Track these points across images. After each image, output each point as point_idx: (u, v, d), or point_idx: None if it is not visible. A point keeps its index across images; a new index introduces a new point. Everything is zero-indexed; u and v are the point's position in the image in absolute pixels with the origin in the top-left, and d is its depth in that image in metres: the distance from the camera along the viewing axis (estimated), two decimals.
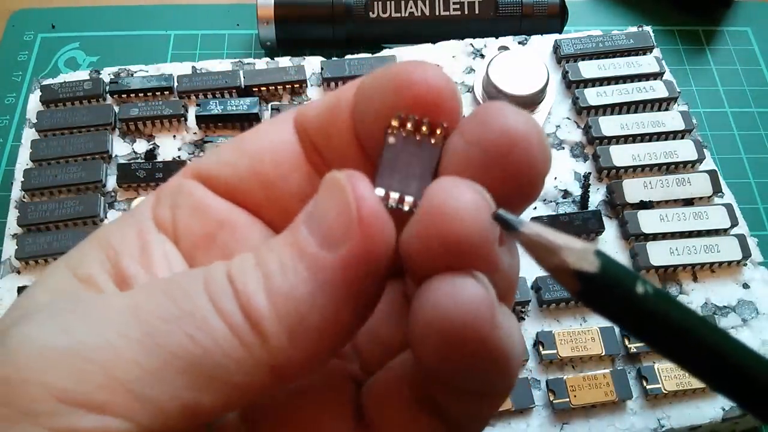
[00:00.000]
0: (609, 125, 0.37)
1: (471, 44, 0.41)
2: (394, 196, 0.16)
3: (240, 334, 0.14)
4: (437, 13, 0.44)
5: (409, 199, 0.16)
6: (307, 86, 0.39)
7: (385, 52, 0.40)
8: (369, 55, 0.40)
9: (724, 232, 0.35)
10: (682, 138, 0.38)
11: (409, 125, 0.16)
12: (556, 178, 0.37)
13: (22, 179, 0.35)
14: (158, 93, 0.38)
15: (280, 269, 0.15)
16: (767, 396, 0.13)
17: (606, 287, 0.13)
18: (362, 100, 0.17)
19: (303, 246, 0.15)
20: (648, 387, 0.31)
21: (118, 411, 0.14)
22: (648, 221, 0.35)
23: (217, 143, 0.36)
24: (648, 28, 0.41)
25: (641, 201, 0.35)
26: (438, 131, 0.16)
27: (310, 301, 0.14)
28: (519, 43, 0.41)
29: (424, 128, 0.16)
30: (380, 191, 0.16)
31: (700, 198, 0.36)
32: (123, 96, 0.38)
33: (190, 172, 0.19)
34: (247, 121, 0.37)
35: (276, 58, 0.40)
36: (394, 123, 0.16)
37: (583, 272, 0.13)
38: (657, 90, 0.38)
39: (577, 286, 0.13)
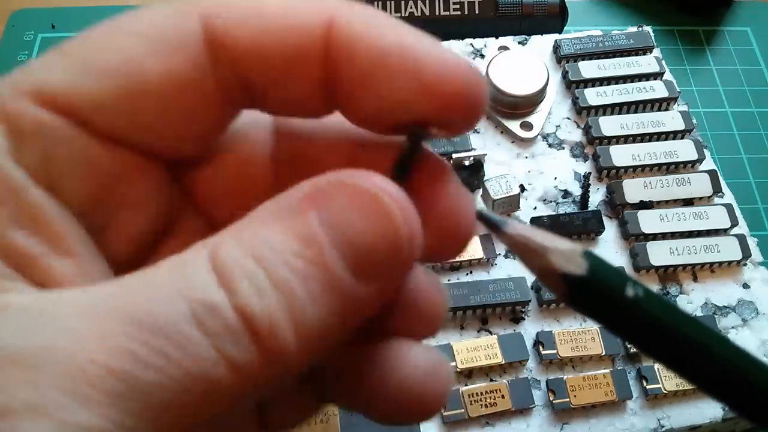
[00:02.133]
0: (609, 125, 0.37)
1: (471, 44, 0.41)
2: None
3: (251, 370, 0.13)
4: (437, 13, 0.44)
5: None
6: None
7: None
8: None
9: (724, 232, 0.35)
10: (682, 138, 0.38)
11: None
12: (556, 178, 0.37)
13: None
14: None
15: (309, 298, 0.13)
16: (763, 400, 0.13)
17: (595, 290, 0.13)
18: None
19: (335, 274, 0.13)
20: (648, 387, 0.31)
21: None
22: (648, 221, 0.35)
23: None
24: (648, 28, 0.41)
25: (641, 201, 0.35)
26: None
27: (333, 327, 0.13)
28: (519, 43, 0.41)
29: None
30: None
31: (700, 198, 0.36)
32: None
33: (44, 98, 0.14)
34: None
35: None
36: None
37: (570, 275, 0.12)
38: (657, 90, 0.38)
39: (564, 288, 0.13)
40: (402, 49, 0.15)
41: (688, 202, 0.36)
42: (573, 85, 0.39)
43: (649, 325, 0.13)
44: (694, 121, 0.38)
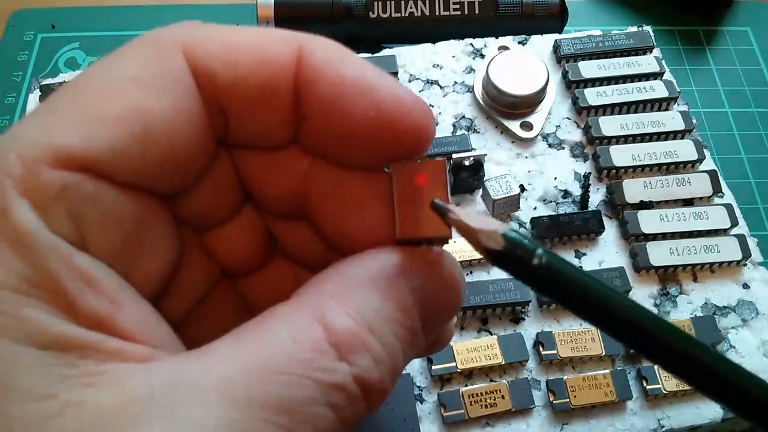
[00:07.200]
0: (609, 125, 0.37)
1: (471, 44, 0.41)
2: None
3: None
4: (437, 13, 0.44)
5: None
6: None
7: (385, 52, 0.40)
8: (369, 55, 0.40)
9: (724, 232, 0.35)
10: (682, 138, 0.38)
11: None
12: (556, 178, 0.37)
13: None
14: None
15: (404, 357, 0.16)
16: (646, 337, 0.16)
17: (508, 260, 0.17)
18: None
19: (419, 335, 0.16)
20: (648, 387, 0.31)
21: None
22: (648, 221, 0.35)
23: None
24: (648, 28, 0.41)
25: (641, 201, 0.35)
26: None
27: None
28: (519, 43, 0.41)
29: None
30: None
31: (700, 198, 0.36)
32: None
33: (61, 159, 0.14)
34: None
35: None
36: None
37: (491, 249, 0.16)
38: (657, 90, 0.38)
39: (488, 258, 0.17)
40: (363, 82, 0.16)
41: (688, 202, 0.36)
42: (573, 85, 0.39)
43: (552, 285, 0.17)
44: (694, 121, 0.38)
